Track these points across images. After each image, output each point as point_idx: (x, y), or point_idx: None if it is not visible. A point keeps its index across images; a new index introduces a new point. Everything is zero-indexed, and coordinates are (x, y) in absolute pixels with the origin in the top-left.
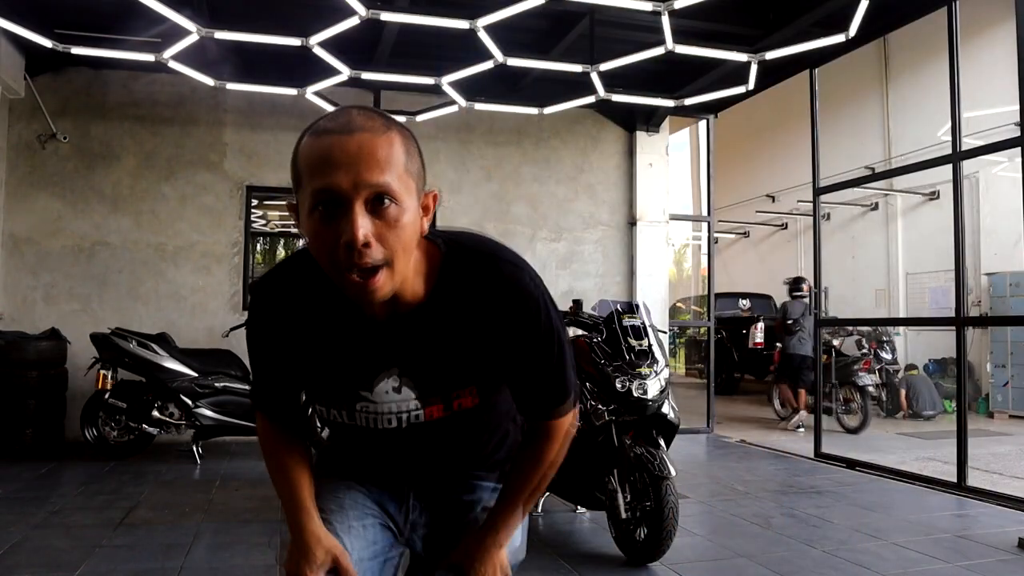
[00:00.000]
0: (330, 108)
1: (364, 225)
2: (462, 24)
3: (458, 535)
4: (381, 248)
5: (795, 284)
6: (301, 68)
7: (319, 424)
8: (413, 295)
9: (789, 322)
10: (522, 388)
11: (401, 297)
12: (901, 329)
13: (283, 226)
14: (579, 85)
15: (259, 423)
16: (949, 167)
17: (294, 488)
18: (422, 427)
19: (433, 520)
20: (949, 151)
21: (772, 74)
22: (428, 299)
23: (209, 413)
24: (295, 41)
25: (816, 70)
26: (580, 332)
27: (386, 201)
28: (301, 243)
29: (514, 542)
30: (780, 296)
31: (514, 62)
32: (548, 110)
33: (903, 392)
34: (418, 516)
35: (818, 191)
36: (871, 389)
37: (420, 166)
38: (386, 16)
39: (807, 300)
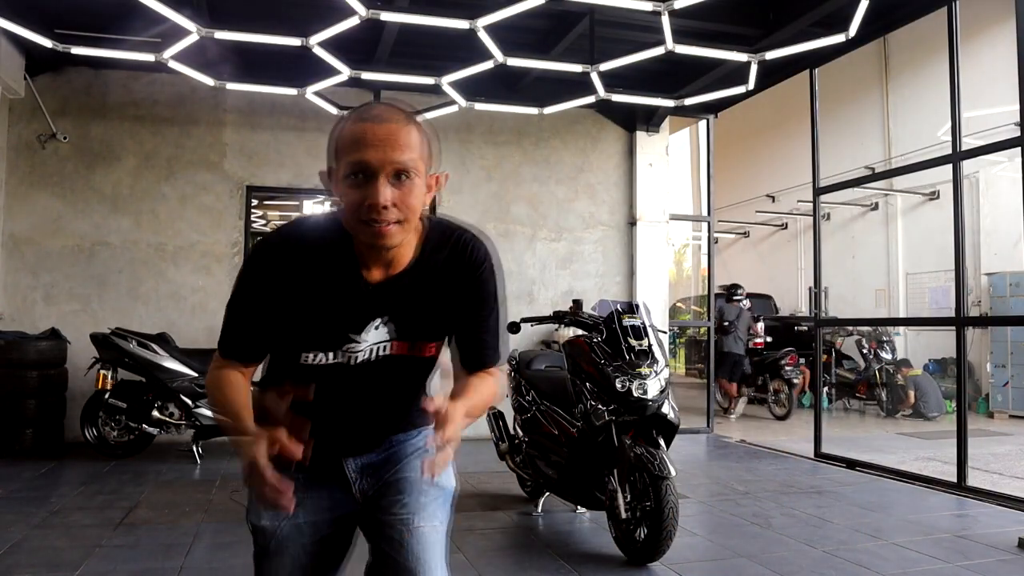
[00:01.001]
0: (330, 108)
1: (386, 192)
2: (462, 24)
3: (392, 479)
4: (397, 210)
5: (732, 289)
6: (301, 68)
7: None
8: (402, 259)
9: (725, 323)
10: (470, 343)
11: (394, 259)
12: (901, 329)
13: None
14: (579, 85)
15: (216, 366)
16: (949, 167)
17: (239, 415)
18: (387, 361)
19: (369, 473)
20: (949, 151)
21: (772, 74)
22: (413, 264)
23: (209, 413)
24: (295, 41)
25: (816, 70)
26: (580, 332)
27: (403, 176)
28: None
29: (449, 479)
30: (781, 296)
31: (514, 62)
32: (548, 110)
33: (912, 393)
34: (357, 472)
35: (818, 191)
36: (796, 381)
37: (430, 153)
38: (386, 16)
39: (742, 304)
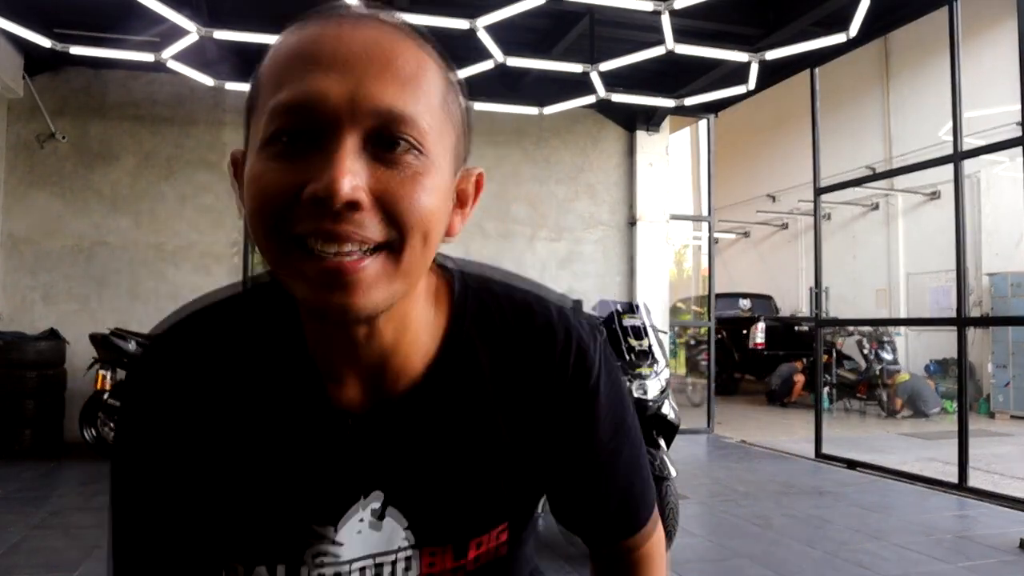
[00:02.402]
0: None
1: (356, 169)
2: (462, 24)
3: None
4: (381, 216)
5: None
6: None
7: None
8: (408, 359)
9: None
10: (595, 507)
11: (389, 361)
12: (902, 329)
13: None
14: (579, 85)
15: None
16: (950, 167)
17: None
18: None
19: None
20: (950, 151)
21: (772, 74)
22: (431, 372)
23: None
24: None
25: (816, 70)
26: None
27: (402, 142)
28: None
29: None
30: (781, 296)
31: (514, 62)
32: (548, 110)
33: (899, 401)
34: None
35: (819, 191)
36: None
37: (463, 118)
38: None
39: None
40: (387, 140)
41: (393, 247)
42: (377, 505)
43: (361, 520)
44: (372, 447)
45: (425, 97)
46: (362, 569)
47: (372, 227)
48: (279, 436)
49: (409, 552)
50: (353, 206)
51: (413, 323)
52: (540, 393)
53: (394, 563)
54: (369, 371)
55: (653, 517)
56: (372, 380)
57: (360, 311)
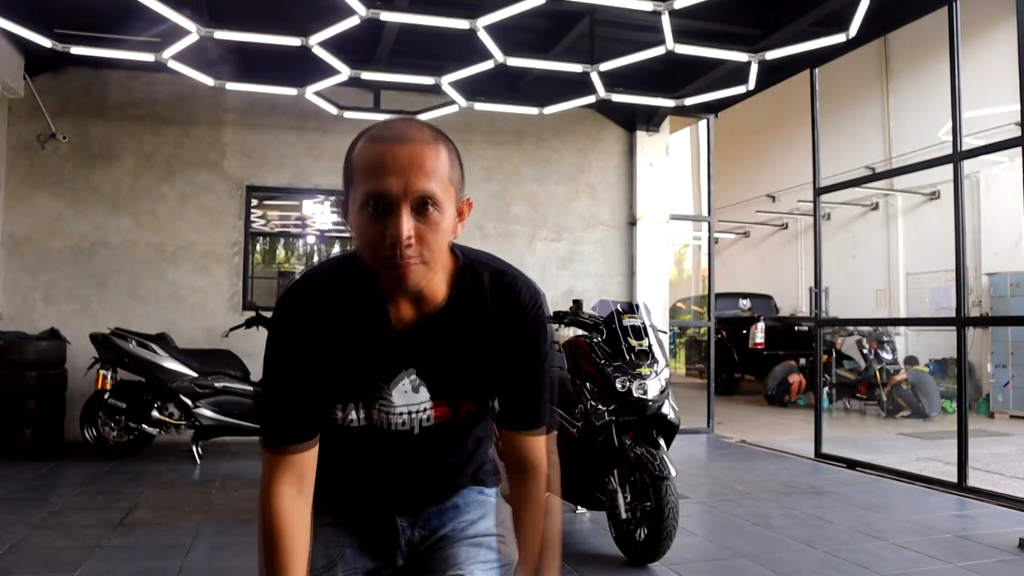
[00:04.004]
0: (330, 108)
1: (408, 225)
2: (462, 24)
3: (444, 545)
4: (420, 246)
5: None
6: (301, 68)
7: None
8: (434, 297)
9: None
10: (511, 401)
11: (424, 298)
12: (902, 329)
13: (282, 226)
14: (579, 85)
15: (267, 473)
16: (950, 167)
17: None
18: (431, 431)
19: (422, 524)
20: (950, 151)
21: (772, 74)
22: (446, 305)
23: (209, 413)
24: (295, 41)
25: (816, 70)
26: (580, 332)
27: (429, 206)
28: (303, 245)
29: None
30: (781, 296)
31: (514, 62)
32: (548, 110)
33: (898, 398)
34: (411, 534)
35: (818, 191)
36: None
37: (460, 176)
38: (386, 16)
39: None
40: (421, 204)
41: (426, 259)
42: (415, 378)
43: (404, 387)
44: (410, 344)
45: (441, 179)
46: (403, 412)
47: (416, 252)
48: (360, 335)
49: (428, 405)
50: (409, 241)
51: (436, 281)
52: (500, 319)
53: (421, 411)
54: (412, 305)
55: (549, 436)
56: (413, 309)
57: (414, 287)
